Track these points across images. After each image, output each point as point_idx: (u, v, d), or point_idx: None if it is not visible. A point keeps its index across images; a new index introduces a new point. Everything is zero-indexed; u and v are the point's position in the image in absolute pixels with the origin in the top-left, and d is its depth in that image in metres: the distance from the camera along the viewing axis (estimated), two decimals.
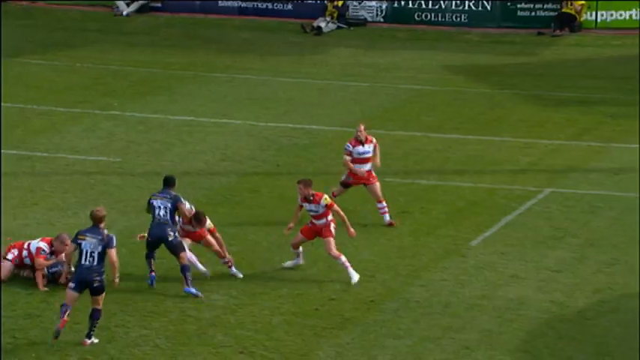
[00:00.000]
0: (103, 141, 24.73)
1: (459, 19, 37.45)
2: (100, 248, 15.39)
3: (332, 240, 17.61)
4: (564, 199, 21.59)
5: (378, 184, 20.00)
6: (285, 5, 38.13)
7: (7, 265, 17.30)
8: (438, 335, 16.04)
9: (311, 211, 17.74)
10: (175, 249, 17.13)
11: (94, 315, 15.51)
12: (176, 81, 30.47)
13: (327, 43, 35.81)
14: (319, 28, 36.86)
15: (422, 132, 26.25)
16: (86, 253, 15.40)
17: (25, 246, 17.43)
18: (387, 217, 19.96)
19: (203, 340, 15.68)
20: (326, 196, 17.80)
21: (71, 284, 15.51)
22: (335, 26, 37.21)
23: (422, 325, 16.32)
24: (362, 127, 20.13)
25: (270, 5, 38.21)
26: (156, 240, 17.26)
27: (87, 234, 15.52)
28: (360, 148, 20.02)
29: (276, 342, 15.68)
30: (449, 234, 19.81)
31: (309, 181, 17.77)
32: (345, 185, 20.25)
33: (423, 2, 37.62)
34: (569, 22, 36.65)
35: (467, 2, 37.38)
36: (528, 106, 28.76)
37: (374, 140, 20.14)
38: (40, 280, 17.11)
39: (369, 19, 37.89)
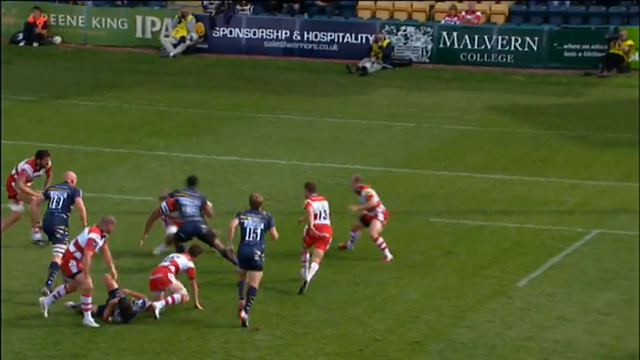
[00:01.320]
0: (149, 181, 24.92)
1: (504, 59, 37.42)
2: (262, 226, 17.16)
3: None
4: (612, 240, 21.40)
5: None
6: (330, 46, 38.36)
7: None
8: None
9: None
10: (209, 238, 18.96)
11: (250, 291, 17.00)
12: (221, 122, 30.70)
13: (373, 83, 35.92)
14: (364, 68, 37.00)
15: (467, 172, 26.20)
16: (249, 230, 17.08)
17: (72, 247, 17.23)
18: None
19: None
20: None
21: (238, 263, 17.27)
22: (380, 67, 37.34)
23: None
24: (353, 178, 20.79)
25: (315, 46, 38.45)
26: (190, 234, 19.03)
27: (248, 214, 17.29)
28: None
29: None
30: (495, 275, 19.70)
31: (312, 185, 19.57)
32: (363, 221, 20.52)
33: (468, 43, 37.67)
34: (616, 63, 36.49)
35: (513, 43, 37.36)
36: (575, 147, 28.62)
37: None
38: (87, 267, 17.05)
39: (415, 59, 37.99)
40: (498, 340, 17.03)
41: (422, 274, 19.62)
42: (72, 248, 17.37)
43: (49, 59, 37.93)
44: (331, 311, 17.94)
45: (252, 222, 17.22)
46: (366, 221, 20.45)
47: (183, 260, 17.81)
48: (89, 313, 17.10)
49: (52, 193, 19.15)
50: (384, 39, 37.55)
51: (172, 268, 17.66)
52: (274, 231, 17.43)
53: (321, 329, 17.28)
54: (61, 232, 18.60)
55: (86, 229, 17.55)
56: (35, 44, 39.20)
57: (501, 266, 20.08)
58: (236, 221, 17.29)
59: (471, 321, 17.74)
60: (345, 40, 38.27)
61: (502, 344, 16.91)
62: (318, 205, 19.26)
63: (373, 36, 37.76)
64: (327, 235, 19.01)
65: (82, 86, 34.63)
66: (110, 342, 16.59)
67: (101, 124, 30.24)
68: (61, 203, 18.84)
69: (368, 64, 37.10)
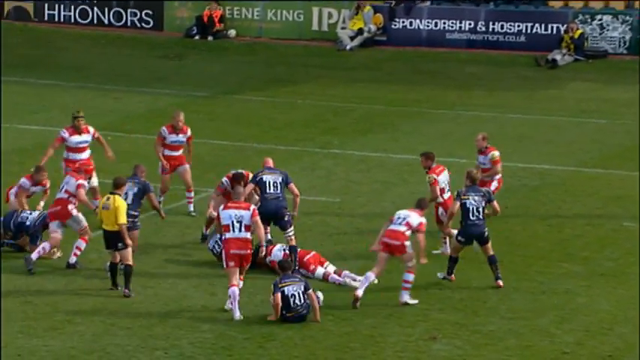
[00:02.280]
0: (323, 180, 25.06)
1: None
2: (483, 204, 18.47)
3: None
4: None
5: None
6: (517, 37, 37.80)
7: None
8: None
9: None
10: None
11: (492, 260, 18.62)
12: (399, 118, 30.64)
13: (563, 77, 35.21)
14: (554, 60, 36.31)
15: None
16: (472, 210, 18.35)
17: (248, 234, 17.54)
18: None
19: None
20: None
21: (460, 238, 18.57)
22: (572, 59, 36.57)
23: None
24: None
25: (501, 37, 37.95)
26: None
27: (469, 193, 18.48)
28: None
29: None
30: None
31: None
32: None
33: None
34: None
35: None
36: None
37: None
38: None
39: (611, 50, 37.03)
40: None
41: (615, 283, 19.06)
42: (248, 235, 17.63)
43: (224, 53, 38.65)
44: (515, 321, 17.60)
45: (474, 202, 18.35)
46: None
47: (415, 217, 18.04)
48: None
49: (265, 177, 19.49)
50: (577, 29, 36.74)
51: (408, 234, 17.97)
52: (494, 205, 18.67)
53: (504, 340, 16.97)
54: (288, 214, 19.34)
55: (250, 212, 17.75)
56: (210, 38, 40.04)
57: None
58: (457, 204, 18.34)
59: None
60: (534, 31, 37.64)
61: None
62: (443, 179, 19.79)
63: (565, 26, 36.99)
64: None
65: (256, 81, 35.15)
66: (281, 348, 16.71)
67: (274, 120, 30.63)
68: (278, 187, 19.40)
69: (558, 57, 36.38)
